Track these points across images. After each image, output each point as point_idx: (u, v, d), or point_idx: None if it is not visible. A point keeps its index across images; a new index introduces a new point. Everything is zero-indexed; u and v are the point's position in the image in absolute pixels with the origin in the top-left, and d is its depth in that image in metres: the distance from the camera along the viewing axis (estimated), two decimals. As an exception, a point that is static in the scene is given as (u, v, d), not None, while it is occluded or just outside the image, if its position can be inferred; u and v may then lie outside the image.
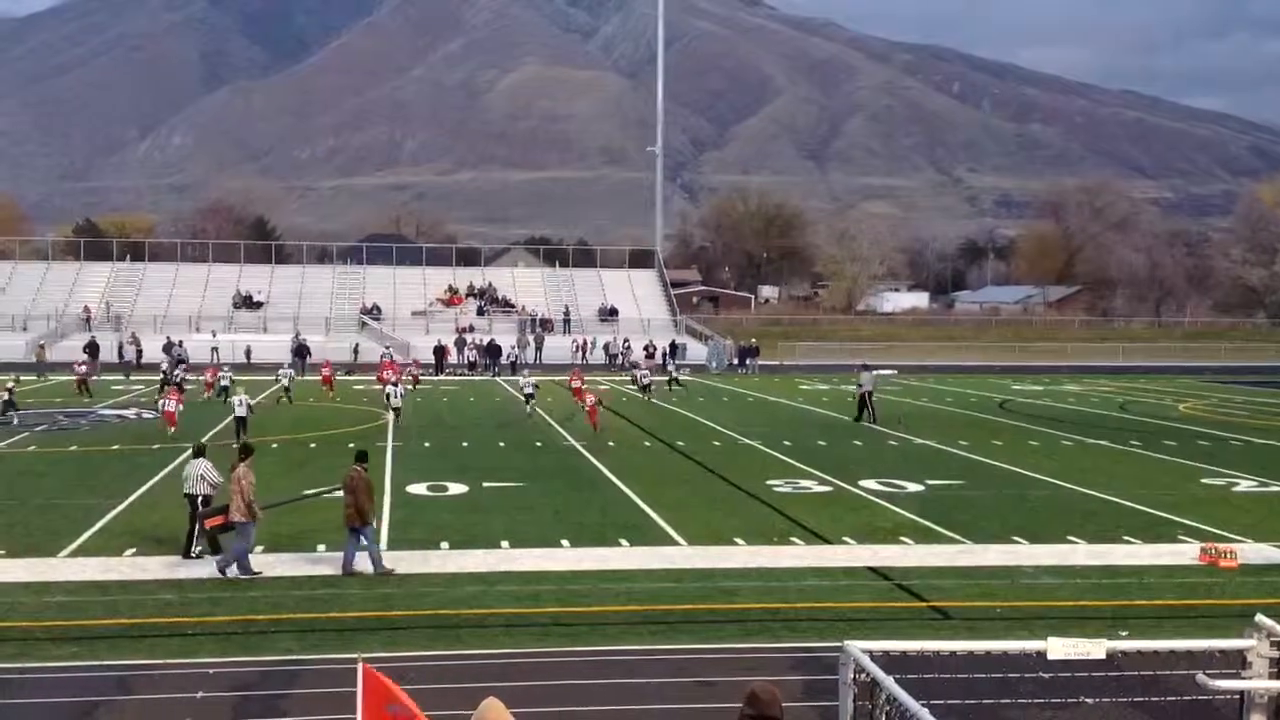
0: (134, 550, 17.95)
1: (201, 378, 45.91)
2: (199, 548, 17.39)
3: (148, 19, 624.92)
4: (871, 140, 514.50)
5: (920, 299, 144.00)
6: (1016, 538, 19.66)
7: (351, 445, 30.64)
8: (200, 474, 17.75)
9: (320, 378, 47.66)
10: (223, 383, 42.69)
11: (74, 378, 46.19)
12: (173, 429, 32.32)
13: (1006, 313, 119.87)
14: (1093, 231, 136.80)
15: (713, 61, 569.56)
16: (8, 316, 69.84)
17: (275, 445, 30.23)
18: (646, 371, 48.85)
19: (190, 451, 18.65)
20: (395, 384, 38.18)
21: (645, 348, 65.53)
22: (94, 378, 49.65)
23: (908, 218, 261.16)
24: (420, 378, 51.59)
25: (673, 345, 66.26)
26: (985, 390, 52.89)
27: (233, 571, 16.40)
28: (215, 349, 63.28)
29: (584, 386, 40.16)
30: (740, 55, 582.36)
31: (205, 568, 16.91)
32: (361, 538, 16.70)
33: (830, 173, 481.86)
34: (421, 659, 12.66)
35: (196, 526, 17.34)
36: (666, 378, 49.35)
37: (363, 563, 16.77)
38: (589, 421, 34.24)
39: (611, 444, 31.57)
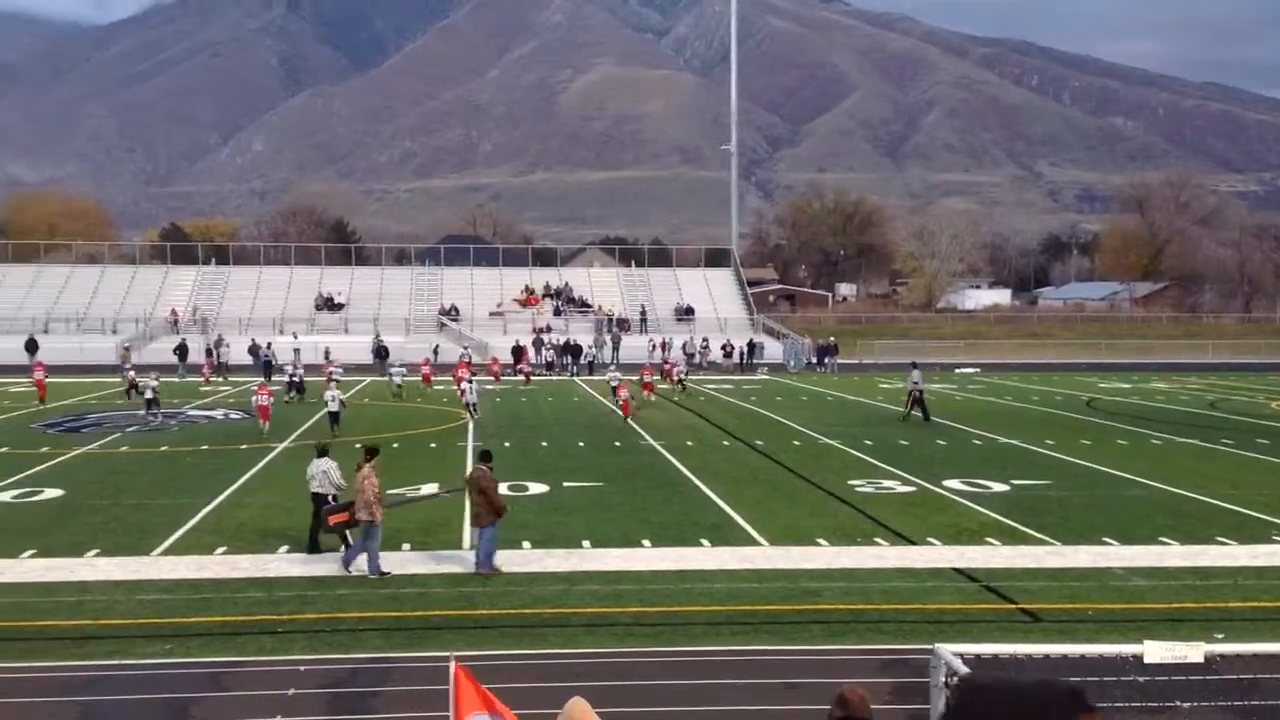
0: (224, 549, 18.22)
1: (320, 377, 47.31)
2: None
3: (228, 26, 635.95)
4: (949, 135, 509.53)
5: (1002, 296, 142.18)
6: (1107, 538, 19.33)
7: (433, 445, 30.98)
8: (324, 471, 18.00)
9: (420, 376, 48.40)
10: (334, 377, 44.33)
11: (195, 376, 46.69)
12: (266, 423, 33.58)
13: (1091, 309, 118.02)
14: (1179, 226, 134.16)
15: (787, 58, 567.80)
16: (97, 320, 71.34)
17: (358, 445, 30.51)
18: (683, 368, 50.53)
19: (315, 451, 18.79)
20: (470, 381, 39.55)
21: (723, 347, 65.43)
22: (184, 378, 50.52)
23: (988, 213, 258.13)
24: (531, 375, 55.05)
25: (679, 345, 66.50)
26: (1071, 388, 52.13)
27: (358, 569, 16.68)
28: (297, 350, 64.14)
29: (652, 381, 44.72)
30: (814, 51, 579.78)
31: (290, 565, 17.13)
32: (484, 534, 16.88)
33: (907, 169, 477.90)
34: (505, 658, 12.72)
35: (320, 523, 17.60)
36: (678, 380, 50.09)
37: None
38: (623, 411, 36.91)
39: (690, 444, 31.54)
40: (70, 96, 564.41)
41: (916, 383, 38.00)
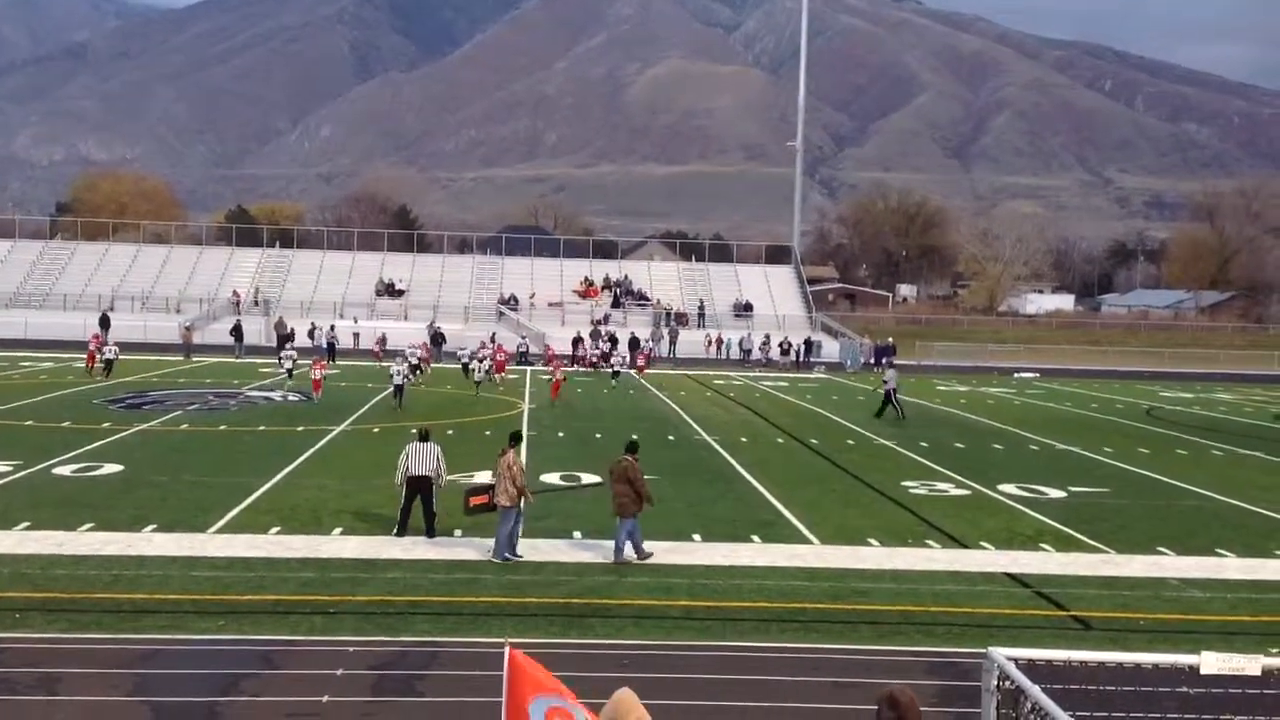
0: (278, 529, 18.42)
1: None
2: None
3: (301, 11, 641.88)
4: (1018, 138, 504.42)
5: (1065, 301, 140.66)
6: (1162, 548, 19.08)
7: (488, 433, 31.09)
8: (437, 457, 18.09)
9: (495, 364, 48.86)
10: (464, 359, 48.67)
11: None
12: (318, 394, 37.47)
13: (1156, 317, 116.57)
14: (1249, 235, 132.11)
15: (856, 57, 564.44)
16: (161, 299, 72.38)
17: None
18: (622, 358, 53.27)
19: (416, 435, 18.74)
20: (481, 360, 43.29)
21: (780, 344, 65.23)
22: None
23: (1054, 218, 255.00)
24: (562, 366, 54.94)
25: (756, 339, 66.13)
26: (1132, 396, 51.50)
27: (500, 555, 16.81)
28: (356, 334, 64.94)
29: (646, 366, 52.90)
30: (884, 50, 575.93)
31: (342, 547, 17.28)
32: (621, 523, 16.96)
33: (974, 171, 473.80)
34: (553, 646, 12.75)
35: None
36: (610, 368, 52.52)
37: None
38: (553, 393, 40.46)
39: (745, 440, 31.48)
40: (143, 78, 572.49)
41: (887, 382, 38.89)
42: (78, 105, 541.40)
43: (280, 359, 44.23)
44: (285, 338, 61.84)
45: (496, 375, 47.61)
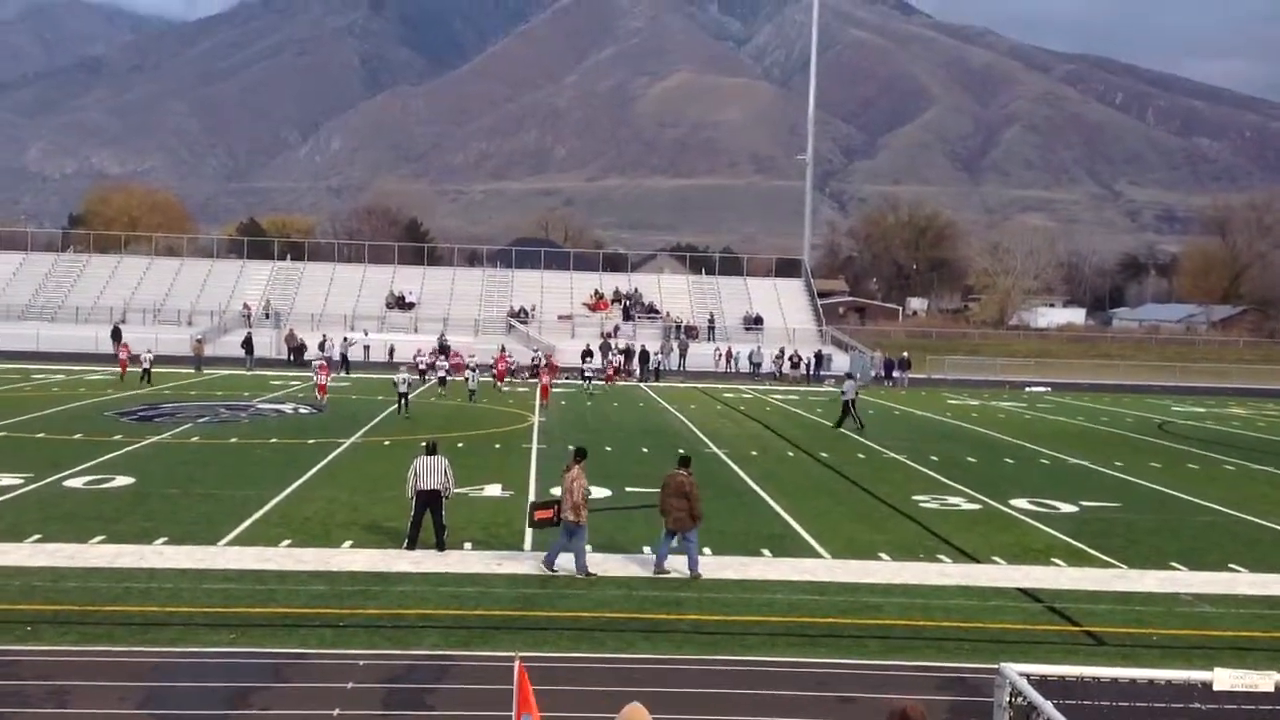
0: (289, 541, 18.42)
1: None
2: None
3: (311, 25, 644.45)
4: (1028, 151, 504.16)
5: (1076, 315, 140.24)
6: (1175, 564, 19.00)
7: (498, 446, 31.10)
8: (445, 470, 18.07)
9: (495, 373, 48.92)
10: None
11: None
12: (323, 397, 39.53)
13: (1167, 331, 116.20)
14: (1260, 249, 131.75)
15: (866, 70, 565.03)
16: (173, 311, 72.53)
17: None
18: (596, 370, 55.25)
19: (425, 448, 18.61)
20: (474, 369, 44.95)
21: (790, 357, 65.15)
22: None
23: (1065, 231, 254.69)
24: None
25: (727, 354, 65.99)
26: (1143, 410, 51.35)
27: (582, 570, 16.84)
28: (367, 347, 65.12)
29: (615, 376, 55.74)
30: (894, 63, 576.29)
31: (353, 560, 17.27)
32: (684, 539, 16.95)
33: (984, 184, 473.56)
34: (563, 660, 12.74)
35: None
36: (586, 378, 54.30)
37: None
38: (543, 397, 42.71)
39: (755, 453, 31.45)
40: (156, 91, 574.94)
41: (845, 393, 39.57)
42: (91, 118, 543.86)
43: (314, 368, 45.61)
44: (298, 349, 62.22)
45: (499, 384, 47.75)
